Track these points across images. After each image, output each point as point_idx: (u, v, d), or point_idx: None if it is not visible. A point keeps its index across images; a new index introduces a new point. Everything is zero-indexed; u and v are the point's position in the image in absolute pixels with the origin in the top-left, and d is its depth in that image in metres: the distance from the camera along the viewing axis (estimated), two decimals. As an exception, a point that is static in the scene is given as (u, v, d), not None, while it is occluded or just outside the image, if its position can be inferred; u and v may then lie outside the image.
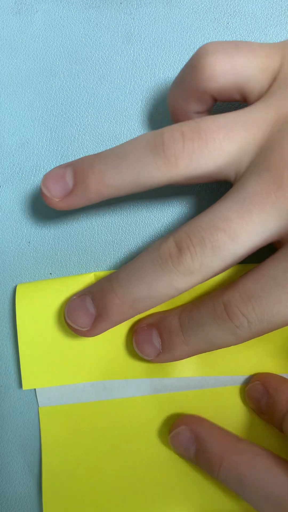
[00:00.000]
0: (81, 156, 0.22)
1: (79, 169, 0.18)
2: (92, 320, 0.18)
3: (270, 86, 0.17)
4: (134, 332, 0.20)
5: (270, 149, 0.16)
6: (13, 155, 0.22)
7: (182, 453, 0.20)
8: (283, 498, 0.17)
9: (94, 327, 0.18)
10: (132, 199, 0.22)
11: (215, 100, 0.18)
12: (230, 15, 0.22)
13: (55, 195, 0.18)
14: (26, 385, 0.21)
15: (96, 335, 0.18)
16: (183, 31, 0.22)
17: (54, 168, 0.19)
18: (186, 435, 0.20)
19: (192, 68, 0.18)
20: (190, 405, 0.21)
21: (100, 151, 0.22)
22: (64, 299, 0.21)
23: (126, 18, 0.22)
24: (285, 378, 0.20)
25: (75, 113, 0.22)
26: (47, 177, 0.18)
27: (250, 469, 0.18)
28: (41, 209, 0.22)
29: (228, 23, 0.22)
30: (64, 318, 0.19)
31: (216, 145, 0.17)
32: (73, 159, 0.22)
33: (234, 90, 0.18)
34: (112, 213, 0.22)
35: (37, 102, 0.22)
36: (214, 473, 0.19)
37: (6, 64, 0.23)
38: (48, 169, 0.22)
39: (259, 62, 0.17)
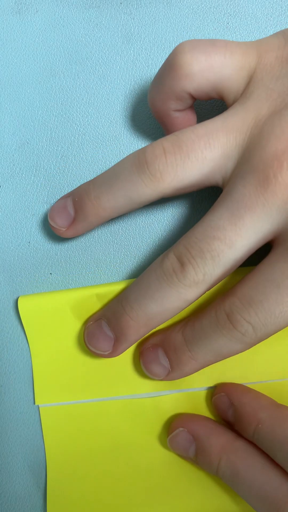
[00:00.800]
0: (81, 156, 0.22)
1: (77, 198, 0.19)
2: (112, 343, 0.19)
3: (247, 85, 0.18)
4: (140, 354, 0.20)
5: (253, 151, 0.16)
6: (13, 155, 0.22)
7: (182, 454, 0.20)
8: (274, 497, 0.17)
9: (115, 349, 0.19)
10: (132, 199, 0.22)
11: (193, 98, 0.18)
12: (230, 15, 0.22)
13: (61, 226, 0.19)
14: (38, 401, 0.21)
15: (118, 355, 0.19)
16: (183, 31, 0.22)
17: (57, 200, 0.20)
18: (185, 436, 0.20)
19: (169, 67, 0.18)
20: (191, 405, 0.21)
21: (100, 151, 0.22)
22: (70, 314, 0.21)
23: (126, 18, 0.22)
24: (249, 388, 0.20)
25: (75, 113, 0.22)
26: (52, 210, 0.20)
27: (245, 467, 0.18)
28: (41, 209, 0.22)
29: (228, 23, 0.22)
30: (85, 343, 0.19)
31: (198, 155, 0.17)
32: (73, 159, 0.22)
33: (211, 89, 0.18)
34: (112, 213, 0.22)
35: (37, 102, 0.22)
36: (213, 471, 0.19)
37: (6, 64, 0.23)
38: (48, 169, 0.22)
39: (235, 60, 0.17)
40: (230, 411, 0.20)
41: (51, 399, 0.21)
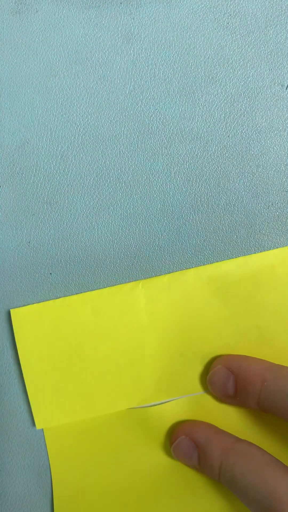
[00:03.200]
0: (81, 156, 0.22)
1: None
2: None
3: None
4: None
5: None
6: (13, 155, 0.22)
7: (187, 463, 0.20)
8: (268, 502, 0.17)
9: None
10: (132, 199, 0.22)
11: None
12: (230, 15, 0.22)
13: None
14: (39, 425, 0.21)
15: None
16: (183, 31, 0.22)
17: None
18: (187, 444, 0.19)
19: None
20: (193, 410, 0.21)
21: (100, 151, 0.22)
22: (63, 326, 0.21)
23: (126, 18, 0.22)
24: (245, 355, 0.20)
25: (75, 113, 0.22)
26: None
27: (242, 470, 0.18)
28: (41, 209, 0.22)
29: (228, 23, 0.22)
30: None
31: None
32: (73, 159, 0.22)
33: None
34: (112, 213, 0.22)
35: (37, 102, 0.22)
36: (215, 475, 0.19)
37: (6, 64, 0.23)
38: (48, 169, 0.22)
39: None
40: (230, 381, 0.19)
41: (51, 421, 0.21)
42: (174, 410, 0.21)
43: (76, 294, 0.21)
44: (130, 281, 0.21)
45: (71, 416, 0.21)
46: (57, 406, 0.21)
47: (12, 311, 0.21)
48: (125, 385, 0.21)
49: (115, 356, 0.21)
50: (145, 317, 0.20)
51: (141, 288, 0.21)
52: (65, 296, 0.22)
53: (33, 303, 0.22)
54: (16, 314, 0.21)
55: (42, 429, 0.21)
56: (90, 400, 0.21)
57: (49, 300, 0.22)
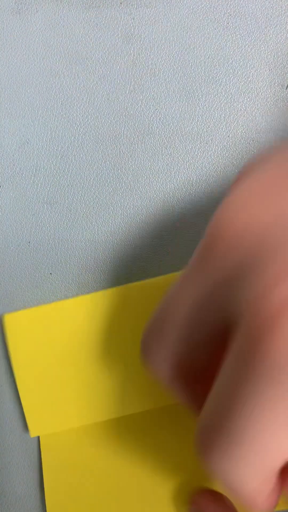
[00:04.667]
0: (81, 156, 0.22)
1: None
2: None
3: None
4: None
5: None
6: (13, 155, 0.22)
7: None
8: None
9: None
10: (132, 199, 0.22)
11: None
12: (230, 15, 0.22)
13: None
14: (33, 433, 0.21)
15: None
16: (183, 31, 0.22)
17: None
18: None
19: None
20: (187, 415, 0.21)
21: (100, 151, 0.22)
22: (58, 329, 0.20)
23: (126, 18, 0.22)
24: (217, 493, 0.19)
25: (75, 113, 0.22)
26: None
27: None
28: (41, 209, 0.22)
29: (228, 23, 0.22)
30: None
31: None
32: (73, 159, 0.22)
33: None
34: (112, 213, 0.22)
35: (37, 102, 0.22)
36: None
37: (6, 64, 0.23)
38: (48, 169, 0.22)
39: None
40: None
41: (46, 428, 0.20)
42: (171, 416, 0.21)
43: (72, 297, 0.21)
44: (130, 282, 0.21)
45: (66, 423, 0.20)
46: (51, 413, 0.20)
47: (4, 316, 0.20)
48: (121, 391, 0.20)
49: (110, 361, 0.20)
50: (142, 321, 0.20)
51: (136, 292, 0.20)
52: (65, 296, 0.22)
53: (33, 303, 0.22)
54: (9, 320, 0.20)
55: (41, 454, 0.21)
56: (85, 406, 0.20)
57: (48, 301, 0.22)
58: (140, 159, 0.22)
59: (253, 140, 0.22)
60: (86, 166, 0.22)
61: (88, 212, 0.22)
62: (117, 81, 0.22)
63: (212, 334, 0.13)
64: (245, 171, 0.14)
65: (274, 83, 0.22)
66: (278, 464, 0.12)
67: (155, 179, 0.22)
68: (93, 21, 0.23)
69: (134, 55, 0.22)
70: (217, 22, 0.22)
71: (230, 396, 0.11)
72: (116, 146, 0.22)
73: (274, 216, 0.12)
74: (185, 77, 0.22)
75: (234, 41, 0.22)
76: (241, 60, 0.22)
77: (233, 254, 0.12)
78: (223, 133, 0.22)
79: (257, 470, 0.12)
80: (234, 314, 0.12)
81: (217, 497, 0.18)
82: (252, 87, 0.22)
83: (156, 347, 0.14)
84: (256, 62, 0.22)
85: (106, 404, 0.20)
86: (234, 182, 0.14)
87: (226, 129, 0.22)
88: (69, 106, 0.22)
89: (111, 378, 0.20)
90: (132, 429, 0.21)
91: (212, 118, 0.22)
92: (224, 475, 0.12)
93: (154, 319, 0.14)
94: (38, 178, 0.22)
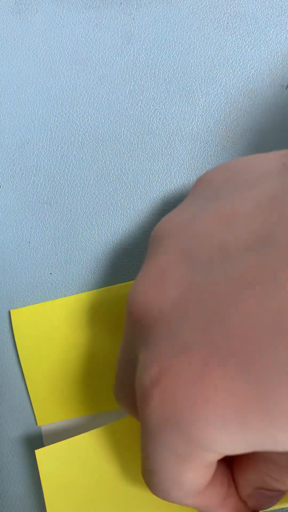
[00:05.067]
0: (81, 156, 0.22)
1: None
2: None
3: None
4: None
5: None
6: (13, 155, 0.22)
7: None
8: None
9: None
10: (132, 199, 0.22)
11: None
12: (230, 15, 0.22)
13: None
14: (40, 422, 0.21)
15: None
16: (183, 31, 0.22)
17: None
18: None
19: None
20: None
21: (100, 151, 0.22)
22: (63, 324, 0.21)
23: (126, 18, 0.22)
24: None
25: (75, 113, 0.22)
26: None
27: None
28: (41, 209, 0.22)
29: (228, 23, 0.22)
30: None
31: None
32: (73, 159, 0.22)
33: None
34: (112, 213, 0.22)
35: (37, 102, 0.22)
36: None
37: (6, 64, 0.23)
38: (48, 169, 0.22)
39: None
40: None
41: (52, 418, 0.21)
42: None
43: (76, 293, 0.22)
44: (131, 281, 0.21)
45: (71, 413, 0.21)
46: (57, 404, 0.21)
47: (12, 311, 0.21)
48: None
49: (114, 353, 0.21)
50: None
51: None
52: (65, 296, 0.22)
53: (33, 303, 0.22)
54: (16, 315, 0.21)
55: (43, 429, 0.21)
56: (90, 398, 0.21)
57: (49, 300, 0.22)
58: (140, 159, 0.22)
59: (253, 140, 0.22)
60: (86, 166, 0.22)
61: (88, 212, 0.22)
62: (117, 81, 0.22)
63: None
64: (150, 251, 0.16)
65: (274, 83, 0.22)
66: (190, 476, 0.14)
67: (155, 179, 0.22)
68: (93, 21, 0.23)
69: (134, 55, 0.22)
70: (217, 22, 0.22)
71: (142, 440, 0.15)
72: (116, 146, 0.22)
73: (166, 300, 0.14)
74: (185, 77, 0.22)
75: (234, 41, 0.22)
76: (241, 60, 0.22)
77: (137, 327, 0.15)
78: (223, 133, 0.22)
79: (177, 488, 0.15)
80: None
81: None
82: (252, 87, 0.22)
83: (117, 387, 0.17)
84: (256, 62, 0.22)
85: (109, 396, 0.21)
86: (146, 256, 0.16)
87: (226, 129, 0.22)
88: (69, 106, 0.22)
89: (113, 369, 0.21)
90: (132, 429, 0.21)
91: (212, 118, 0.22)
92: (165, 498, 0.16)
93: (116, 371, 0.18)
94: (38, 178, 0.22)
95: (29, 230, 0.22)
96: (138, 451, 0.20)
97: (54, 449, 0.20)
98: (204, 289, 0.13)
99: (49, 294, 0.22)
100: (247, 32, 0.22)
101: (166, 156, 0.22)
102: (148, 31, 0.22)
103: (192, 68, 0.22)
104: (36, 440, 0.22)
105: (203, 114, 0.22)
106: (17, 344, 0.21)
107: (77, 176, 0.22)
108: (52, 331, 0.21)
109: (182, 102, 0.22)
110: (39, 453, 0.20)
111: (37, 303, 0.22)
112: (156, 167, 0.22)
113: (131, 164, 0.22)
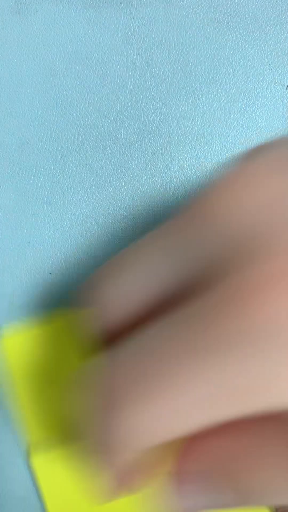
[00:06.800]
0: (81, 156, 0.22)
1: None
2: None
3: None
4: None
5: None
6: (13, 155, 0.22)
7: None
8: None
9: None
10: (132, 199, 0.22)
11: None
12: (230, 15, 0.22)
13: None
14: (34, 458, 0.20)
15: None
16: (183, 31, 0.22)
17: None
18: None
19: None
20: None
21: (100, 151, 0.22)
22: (50, 349, 0.20)
23: (126, 18, 0.22)
24: None
25: (75, 112, 0.22)
26: None
27: None
28: (41, 209, 0.22)
29: (228, 23, 0.22)
30: None
31: None
32: (73, 159, 0.22)
33: None
34: (112, 213, 0.22)
35: (37, 102, 0.22)
36: None
37: (6, 64, 0.23)
38: (48, 169, 0.22)
39: None
40: None
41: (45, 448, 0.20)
42: None
43: (73, 296, 0.21)
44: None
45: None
46: (49, 425, 0.20)
47: (3, 340, 0.20)
48: None
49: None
50: None
51: None
52: (65, 296, 0.22)
53: (33, 303, 0.22)
54: (6, 342, 0.20)
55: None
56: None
57: (48, 301, 0.22)
58: (140, 159, 0.22)
59: (253, 140, 0.22)
60: (86, 166, 0.22)
61: (88, 212, 0.22)
62: (117, 81, 0.22)
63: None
64: (250, 153, 0.14)
65: (274, 83, 0.22)
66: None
67: (155, 179, 0.22)
68: (93, 21, 0.23)
69: (134, 55, 0.22)
70: (217, 22, 0.22)
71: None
72: (116, 146, 0.22)
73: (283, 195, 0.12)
74: (185, 77, 0.22)
75: (234, 41, 0.22)
76: (241, 60, 0.22)
77: (236, 218, 0.12)
78: (223, 133, 0.22)
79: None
80: (214, 267, 0.12)
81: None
82: (252, 87, 0.22)
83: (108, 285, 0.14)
84: (256, 62, 0.22)
85: None
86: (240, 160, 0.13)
87: (226, 129, 0.22)
88: (69, 106, 0.22)
89: None
90: None
91: (212, 118, 0.22)
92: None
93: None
94: (38, 178, 0.22)
95: (29, 230, 0.22)
96: None
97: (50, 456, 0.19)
98: None
99: (49, 294, 0.22)
100: (247, 32, 0.22)
101: (166, 156, 0.22)
102: (148, 31, 0.22)
103: (192, 68, 0.22)
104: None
105: (203, 114, 0.22)
106: (8, 370, 0.20)
107: (77, 176, 0.22)
108: (42, 355, 0.20)
109: (182, 102, 0.22)
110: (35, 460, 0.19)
111: (37, 303, 0.22)
112: (156, 167, 0.22)
113: (131, 164, 0.22)
